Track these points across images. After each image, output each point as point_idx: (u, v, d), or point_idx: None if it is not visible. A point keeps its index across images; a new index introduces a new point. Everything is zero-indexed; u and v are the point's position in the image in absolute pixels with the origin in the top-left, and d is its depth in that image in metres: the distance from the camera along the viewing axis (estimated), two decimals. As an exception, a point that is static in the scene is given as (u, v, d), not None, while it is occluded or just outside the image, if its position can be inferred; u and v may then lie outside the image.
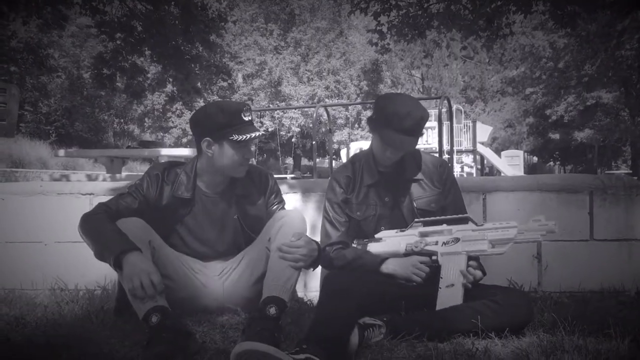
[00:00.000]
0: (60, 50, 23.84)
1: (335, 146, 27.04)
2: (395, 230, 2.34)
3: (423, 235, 2.29)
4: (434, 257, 2.25)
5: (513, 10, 9.62)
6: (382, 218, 2.36)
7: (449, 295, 2.16)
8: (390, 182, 2.39)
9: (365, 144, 17.70)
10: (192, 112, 2.37)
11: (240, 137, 2.30)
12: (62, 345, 2.01)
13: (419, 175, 2.38)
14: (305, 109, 26.79)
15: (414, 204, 2.34)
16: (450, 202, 2.40)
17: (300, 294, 2.88)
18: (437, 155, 8.69)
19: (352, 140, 26.62)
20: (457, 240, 2.24)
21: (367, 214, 2.38)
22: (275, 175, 2.77)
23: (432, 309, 2.15)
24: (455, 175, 2.59)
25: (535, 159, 36.59)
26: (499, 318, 2.06)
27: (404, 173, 2.37)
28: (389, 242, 2.33)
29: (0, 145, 13.06)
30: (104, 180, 5.99)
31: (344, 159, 20.52)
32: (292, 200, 2.98)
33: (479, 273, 2.21)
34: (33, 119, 21.80)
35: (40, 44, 19.48)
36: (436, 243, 2.25)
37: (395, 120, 2.20)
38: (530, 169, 32.27)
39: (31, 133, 19.79)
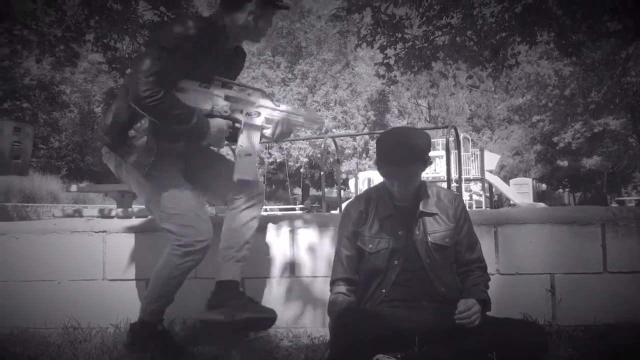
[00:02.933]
0: (72, 85, 24.22)
1: (344, 176, 27.09)
2: (199, 83, 2.42)
3: (228, 98, 2.45)
4: (237, 125, 2.46)
5: (518, 40, 9.73)
6: (395, 252, 2.33)
7: (247, 163, 2.43)
8: (405, 215, 2.38)
9: (373, 174, 17.73)
10: None
11: None
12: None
13: (434, 209, 2.37)
14: (313, 140, 26.95)
15: (428, 238, 2.33)
16: (464, 236, 2.40)
17: (313, 329, 2.87)
18: (445, 185, 8.70)
19: (360, 170, 26.68)
20: (259, 114, 2.48)
21: (380, 247, 2.35)
22: (284, 206, 2.83)
23: (447, 345, 2.14)
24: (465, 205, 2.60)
25: (544, 186, 36.41)
26: (513, 352, 2.04)
27: (419, 207, 2.37)
28: (193, 95, 2.39)
29: (12, 180, 13.19)
30: (116, 214, 6.04)
31: (352, 189, 20.52)
32: (307, 235, 2.98)
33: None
34: (44, 154, 22.05)
35: (53, 81, 19.83)
36: (241, 112, 2.46)
37: (380, 151, 2.29)
38: (539, 196, 32.11)
39: (42, 168, 20.00)
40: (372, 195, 2.46)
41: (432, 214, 2.36)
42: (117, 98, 2.51)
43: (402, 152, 2.24)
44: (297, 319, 2.90)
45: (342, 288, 2.37)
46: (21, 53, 10.34)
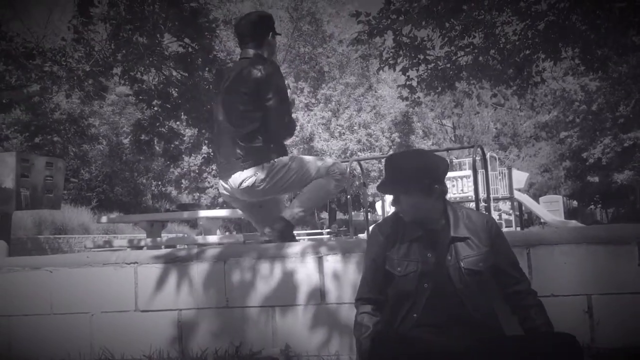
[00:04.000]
0: (101, 118, 24.78)
1: (370, 199, 27.00)
2: None
3: None
4: None
5: (542, 57, 9.66)
6: (424, 275, 2.27)
7: None
8: (434, 239, 2.32)
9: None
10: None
11: None
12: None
13: (466, 233, 2.31)
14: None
15: (461, 264, 2.26)
16: (502, 258, 2.35)
17: (341, 355, 2.84)
18: (474, 205, 8.59)
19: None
20: None
21: (409, 270, 2.29)
22: (311, 231, 2.84)
23: None
24: (498, 225, 2.54)
25: (575, 203, 35.79)
26: None
27: (450, 231, 2.31)
28: None
29: (44, 213, 13.46)
30: (145, 244, 6.11)
31: (379, 212, 20.42)
32: (332, 261, 2.97)
33: None
34: (75, 186, 22.51)
35: (82, 115, 20.32)
36: None
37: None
38: (570, 213, 31.55)
39: (73, 199, 20.41)
40: (400, 217, 2.41)
41: (464, 239, 2.30)
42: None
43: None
44: (325, 345, 2.87)
45: (367, 308, 2.35)
46: (51, 89, 10.62)
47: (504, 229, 10.88)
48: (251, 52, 3.53)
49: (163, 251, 3.36)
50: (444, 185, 2.33)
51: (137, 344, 3.00)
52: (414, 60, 9.81)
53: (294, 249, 3.03)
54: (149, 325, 3.07)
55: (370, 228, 2.76)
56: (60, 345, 3.09)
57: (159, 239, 6.50)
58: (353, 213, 14.92)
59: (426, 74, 10.36)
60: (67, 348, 3.08)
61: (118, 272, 3.15)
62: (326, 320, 2.89)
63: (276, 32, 3.67)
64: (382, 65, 10.37)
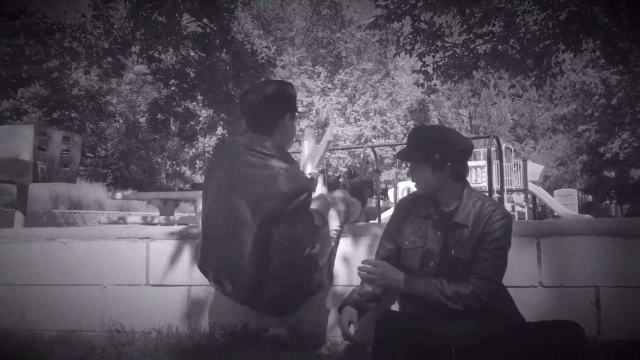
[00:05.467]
0: (118, 96, 24.91)
1: (383, 186, 26.97)
2: None
3: None
4: None
5: (562, 49, 9.54)
6: (431, 253, 2.27)
7: None
8: (444, 221, 2.30)
9: (412, 184, 17.57)
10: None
11: None
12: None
13: (466, 222, 2.25)
14: (353, 149, 26.94)
15: (452, 251, 2.24)
16: (483, 251, 2.22)
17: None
18: (493, 197, 8.52)
19: (400, 180, 26.51)
20: None
21: (415, 245, 2.30)
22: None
23: (483, 353, 2.11)
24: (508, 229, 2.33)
25: (590, 197, 35.45)
26: (551, 350, 2.02)
27: (454, 216, 2.28)
28: None
29: (60, 188, 13.63)
30: (158, 222, 6.17)
31: (391, 199, 20.41)
32: (341, 244, 2.98)
33: None
34: (91, 163, 22.72)
35: (100, 92, 20.43)
36: None
37: None
38: (585, 208, 31.26)
39: (89, 176, 20.61)
40: (421, 194, 2.40)
41: (462, 226, 2.25)
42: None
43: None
44: (333, 327, 2.90)
45: None
46: (70, 64, 10.70)
47: (517, 221, 10.84)
48: (262, 145, 2.49)
49: (176, 227, 3.41)
50: (459, 165, 2.29)
51: (147, 317, 3.05)
52: (431, 47, 9.73)
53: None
54: (159, 299, 3.12)
55: (382, 215, 2.77)
56: (73, 316, 3.15)
57: (172, 217, 6.56)
58: (365, 199, 14.92)
59: (443, 61, 10.27)
60: (78, 319, 3.14)
61: (131, 246, 3.20)
62: (335, 302, 2.90)
63: (297, 110, 2.74)
64: (398, 51, 10.31)
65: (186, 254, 3.11)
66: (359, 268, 2.29)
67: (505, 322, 2.25)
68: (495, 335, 2.15)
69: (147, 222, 6.46)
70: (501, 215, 2.26)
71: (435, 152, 2.24)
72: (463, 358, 2.12)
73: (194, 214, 6.90)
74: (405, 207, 2.43)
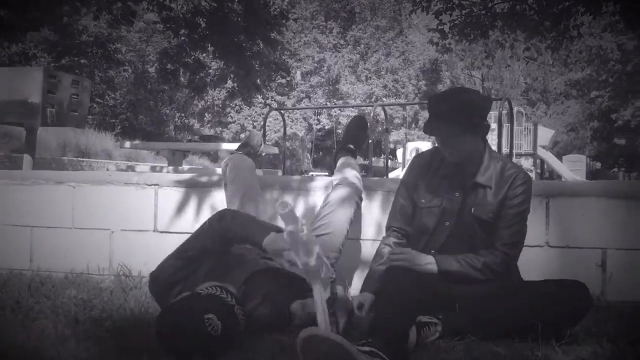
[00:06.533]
0: (128, 45, 24.65)
1: (392, 146, 26.87)
2: None
3: None
4: None
5: (582, 11, 9.32)
6: (447, 213, 2.24)
7: None
8: (464, 181, 2.26)
9: (421, 144, 17.48)
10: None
11: None
12: (128, 328, 2.10)
13: (488, 182, 2.22)
14: (363, 108, 26.75)
15: (472, 210, 2.22)
16: (505, 216, 2.20)
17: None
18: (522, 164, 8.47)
19: (409, 140, 26.39)
20: None
21: (432, 204, 2.27)
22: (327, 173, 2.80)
23: (487, 307, 2.13)
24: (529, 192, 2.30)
25: (598, 164, 35.22)
26: (555, 307, 2.04)
27: (476, 176, 2.24)
28: None
29: (69, 135, 13.64)
30: (167, 172, 6.18)
31: (399, 159, 20.35)
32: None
33: None
34: (100, 112, 22.69)
35: (109, 39, 20.19)
36: None
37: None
38: (593, 174, 31.10)
39: (98, 125, 20.59)
40: (439, 150, 2.34)
41: (485, 186, 2.22)
42: None
43: (436, 118, 2.18)
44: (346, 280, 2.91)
45: (390, 240, 2.35)
46: (80, 9, 10.54)
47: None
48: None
49: (185, 175, 3.41)
50: (488, 122, 2.27)
51: (154, 263, 3.04)
52: (448, 4, 9.53)
53: (319, 183, 3.06)
54: (167, 246, 3.10)
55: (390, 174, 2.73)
56: (80, 259, 3.18)
57: (180, 167, 6.58)
58: (373, 159, 14.83)
59: (459, 19, 10.07)
60: (86, 261, 3.17)
61: (139, 192, 3.20)
62: (346, 256, 2.89)
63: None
64: (414, 8, 10.12)
65: (195, 202, 3.12)
66: (389, 258, 2.22)
67: (510, 281, 2.26)
68: (498, 293, 2.16)
69: (156, 171, 6.49)
70: (524, 179, 2.24)
71: (472, 115, 2.16)
72: (467, 314, 2.13)
73: (201, 167, 6.91)
74: (423, 164, 2.37)
